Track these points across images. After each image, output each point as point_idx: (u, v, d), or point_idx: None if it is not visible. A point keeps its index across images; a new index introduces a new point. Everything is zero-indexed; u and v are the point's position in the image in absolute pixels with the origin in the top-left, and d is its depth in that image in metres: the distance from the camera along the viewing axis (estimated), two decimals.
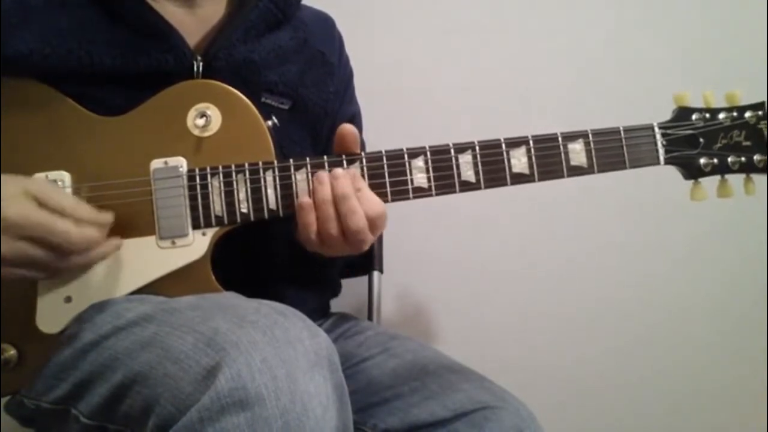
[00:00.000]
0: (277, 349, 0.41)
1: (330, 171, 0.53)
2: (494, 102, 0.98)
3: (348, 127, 0.55)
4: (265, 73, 0.61)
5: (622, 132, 0.56)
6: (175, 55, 0.56)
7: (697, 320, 1.03)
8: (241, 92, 0.56)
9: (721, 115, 0.57)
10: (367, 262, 0.81)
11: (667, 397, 1.04)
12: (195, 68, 0.57)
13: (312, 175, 0.54)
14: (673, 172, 0.59)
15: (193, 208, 0.54)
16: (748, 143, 0.56)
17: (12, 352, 0.54)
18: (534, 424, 0.55)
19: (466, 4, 0.98)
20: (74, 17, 0.55)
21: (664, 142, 0.57)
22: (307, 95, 0.65)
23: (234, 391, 0.38)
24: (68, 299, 0.53)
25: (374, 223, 0.52)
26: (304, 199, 0.53)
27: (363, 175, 0.55)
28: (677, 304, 1.02)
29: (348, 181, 0.52)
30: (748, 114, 0.57)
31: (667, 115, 0.58)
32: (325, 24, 0.71)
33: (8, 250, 0.47)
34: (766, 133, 0.56)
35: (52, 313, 0.53)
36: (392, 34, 0.98)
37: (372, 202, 0.52)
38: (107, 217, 0.52)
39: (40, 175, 0.54)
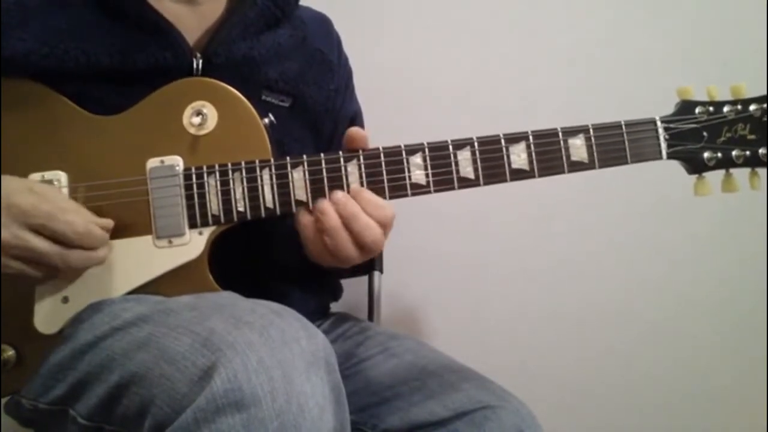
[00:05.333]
0: (273, 350, 0.41)
1: (330, 195, 0.52)
2: (494, 101, 0.97)
3: (357, 130, 0.55)
4: (265, 71, 0.61)
5: (623, 126, 0.56)
6: (174, 53, 0.56)
7: (697, 320, 1.02)
8: (241, 90, 0.56)
9: (726, 109, 0.56)
10: (368, 262, 0.80)
11: (667, 397, 1.03)
12: (194, 65, 0.57)
13: (308, 178, 0.53)
14: (674, 171, 0.58)
15: (190, 207, 0.54)
16: (753, 137, 0.55)
17: (11, 352, 0.54)
18: (534, 423, 0.54)
19: (466, 3, 0.98)
20: (73, 17, 0.55)
21: (667, 136, 0.56)
22: (308, 92, 0.64)
23: (230, 392, 0.38)
24: (65, 300, 0.53)
25: (387, 228, 0.52)
26: (308, 233, 0.52)
27: (361, 173, 0.54)
28: (677, 303, 1.02)
29: (351, 201, 0.52)
30: (752, 107, 0.56)
31: (669, 112, 0.57)
32: (322, 23, 0.71)
33: (13, 238, 0.47)
34: None
35: (49, 313, 0.53)
36: (392, 33, 0.98)
37: (381, 208, 0.52)
38: (108, 221, 0.52)
39: (36, 176, 0.54)
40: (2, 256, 0.48)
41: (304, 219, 0.53)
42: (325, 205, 0.52)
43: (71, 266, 0.50)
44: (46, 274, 0.50)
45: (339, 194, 0.52)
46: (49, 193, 0.50)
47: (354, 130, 0.55)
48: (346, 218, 0.51)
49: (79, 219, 0.49)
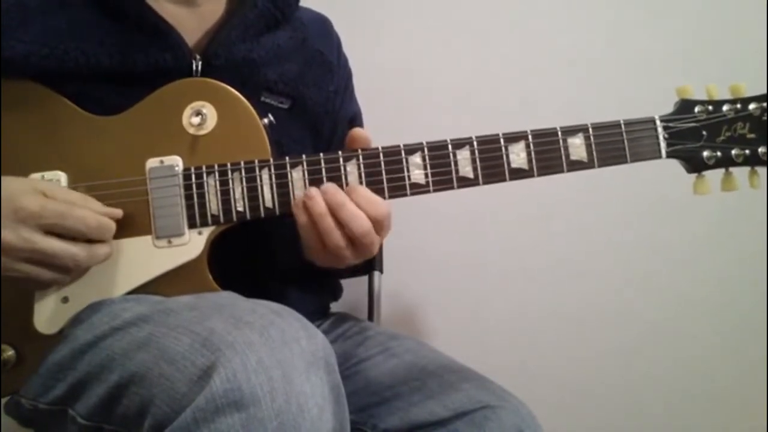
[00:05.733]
0: (272, 350, 0.41)
1: (320, 186, 0.53)
2: (494, 101, 0.97)
3: (359, 131, 0.55)
4: (265, 72, 0.61)
5: (622, 125, 0.56)
6: (173, 54, 0.56)
7: (697, 320, 1.02)
8: (241, 91, 0.56)
9: (725, 107, 0.56)
10: (367, 263, 0.80)
11: (667, 397, 1.03)
12: (194, 67, 0.57)
13: (307, 178, 0.53)
14: (673, 171, 0.58)
15: (189, 207, 0.54)
16: (752, 135, 0.55)
17: (11, 352, 0.54)
18: (534, 423, 0.54)
19: (466, 3, 0.98)
20: (73, 18, 0.55)
21: (666, 135, 0.56)
22: (308, 94, 0.65)
23: (229, 391, 0.38)
24: (65, 300, 0.53)
25: (380, 224, 0.52)
26: (301, 218, 0.52)
27: (360, 173, 0.54)
28: (677, 303, 1.02)
29: (339, 192, 0.52)
30: (752, 106, 0.56)
31: (668, 111, 0.57)
32: (323, 25, 0.71)
33: (23, 241, 0.47)
34: None
35: (49, 313, 0.53)
36: (392, 34, 0.98)
37: (374, 203, 0.52)
38: (117, 211, 0.52)
39: (35, 176, 0.54)
40: (10, 259, 0.47)
41: (298, 211, 0.53)
42: (313, 191, 0.52)
43: (80, 264, 0.50)
44: (55, 277, 0.50)
45: (328, 185, 0.53)
46: (54, 190, 0.50)
47: (357, 130, 0.55)
48: (332, 207, 0.51)
49: (90, 212, 0.50)
